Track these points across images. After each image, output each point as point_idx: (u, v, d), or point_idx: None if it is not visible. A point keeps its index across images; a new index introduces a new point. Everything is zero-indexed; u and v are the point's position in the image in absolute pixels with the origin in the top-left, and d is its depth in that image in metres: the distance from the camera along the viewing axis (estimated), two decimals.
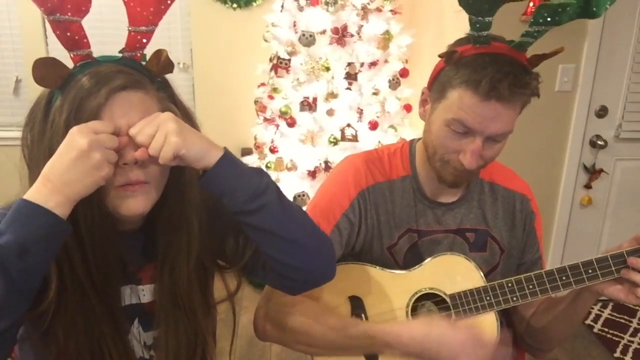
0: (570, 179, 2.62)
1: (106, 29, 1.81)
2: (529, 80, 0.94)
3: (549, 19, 0.88)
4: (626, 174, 2.69)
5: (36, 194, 0.67)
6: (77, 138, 0.68)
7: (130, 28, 0.79)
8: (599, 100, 2.53)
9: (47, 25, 2.98)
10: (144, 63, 0.82)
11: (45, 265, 0.69)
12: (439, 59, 1.03)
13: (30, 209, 0.66)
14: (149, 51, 0.84)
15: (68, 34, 0.74)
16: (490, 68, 0.92)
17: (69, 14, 0.73)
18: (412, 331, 0.96)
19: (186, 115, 0.85)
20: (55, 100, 0.76)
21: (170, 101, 0.84)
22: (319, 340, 1.01)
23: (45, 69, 0.74)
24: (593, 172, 2.63)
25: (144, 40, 0.80)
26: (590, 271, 0.99)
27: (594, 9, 0.87)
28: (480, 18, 0.91)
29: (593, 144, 2.58)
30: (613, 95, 2.54)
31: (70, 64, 0.78)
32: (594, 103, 2.53)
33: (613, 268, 0.98)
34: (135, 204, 0.77)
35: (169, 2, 0.79)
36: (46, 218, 0.66)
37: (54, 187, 0.67)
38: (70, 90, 0.74)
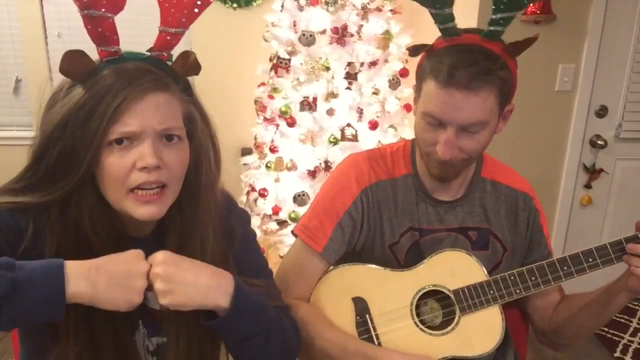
0: (570, 178, 2.62)
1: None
2: (491, 67, 0.92)
3: (509, 4, 0.89)
4: (626, 173, 2.69)
5: (75, 269, 0.66)
6: (139, 262, 0.72)
7: (161, 28, 0.79)
8: (599, 100, 2.53)
9: (47, 25, 2.99)
10: (169, 63, 0.82)
11: (12, 323, 0.66)
12: None
13: (54, 276, 0.65)
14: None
15: (99, 29, 0.74)
16: (452, 57, 0.92)
17: (103, 9, 0.73)
18: None
19: (203, 120, 0.85)
20: (77, 87, 0.75)
21: (192, 104, 0.84)
22: (317, 353, 1.01)
23: (73, 61, 0.73)
24: (593, 172, 2.63)
25: (173, 42, 0.81)
26: (590, 260, 1.01)
27: None
28: (439, 10, 0.92)
29: (593, 143, 2.58)
30: (613, 95, 2.54)
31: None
32: (594, 103, 2.53)
33: (613, 256, 1.00)
34: (149, 210, 0.77)
35: (200, 4, 0.80)
36: (54, 295, 0.64)
37: (94, 279, 0.67)
38: (95, 83, 0.73)
